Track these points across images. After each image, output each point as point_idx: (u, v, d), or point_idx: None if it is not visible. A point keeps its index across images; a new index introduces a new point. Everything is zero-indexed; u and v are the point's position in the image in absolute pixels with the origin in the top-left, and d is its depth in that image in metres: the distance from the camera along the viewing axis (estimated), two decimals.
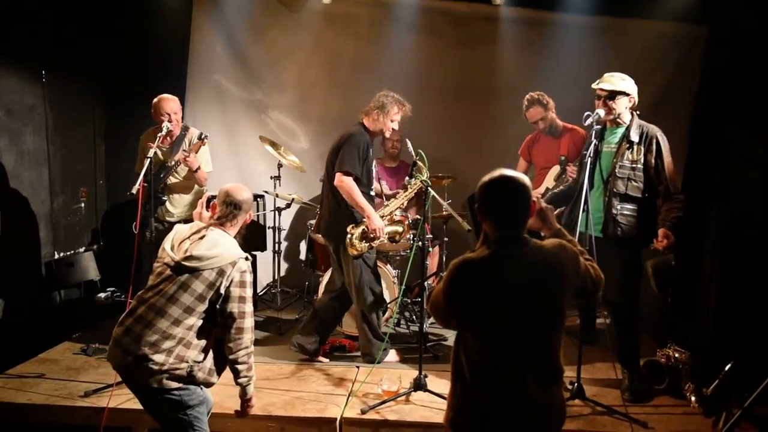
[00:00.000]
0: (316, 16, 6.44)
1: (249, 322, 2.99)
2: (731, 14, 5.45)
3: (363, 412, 3.79)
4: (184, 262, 2.92)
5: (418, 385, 4.00)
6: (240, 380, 3.04)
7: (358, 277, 4.50)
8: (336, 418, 3.75)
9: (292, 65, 6.57)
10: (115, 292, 5.83)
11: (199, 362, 2.94)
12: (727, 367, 3.75)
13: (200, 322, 2.95)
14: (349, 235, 4.42)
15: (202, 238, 3.01)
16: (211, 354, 3.01)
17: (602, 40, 6.07)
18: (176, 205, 4.89)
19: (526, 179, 2.42)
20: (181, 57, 6.49)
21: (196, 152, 4.72)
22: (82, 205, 5.98)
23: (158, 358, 2.84)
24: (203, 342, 2.97)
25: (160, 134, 4.47)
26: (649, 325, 4.91)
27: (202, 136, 4.72)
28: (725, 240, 4.80)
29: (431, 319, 5.35)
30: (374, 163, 6.02)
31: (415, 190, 4.64)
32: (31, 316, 5.12)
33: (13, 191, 5.07)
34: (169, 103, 4.75)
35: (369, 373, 4.26)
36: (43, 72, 5.38)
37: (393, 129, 4.58)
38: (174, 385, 2.88)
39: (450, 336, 5.11)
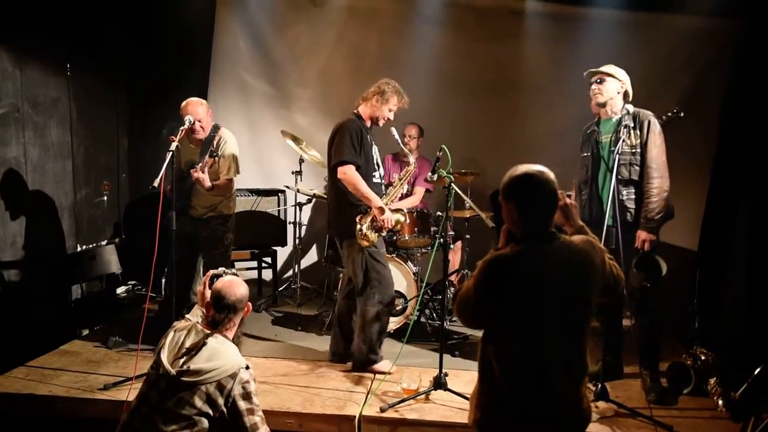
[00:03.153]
0: (340, 10, 6.41)
1: (264, 429, 2.86)
2: (764, 8, 5.32)
3: (382, 410, 3.75)
4: (182, 378, 2.72)
5: (439, 383, 3.94)
6: None
7: (364, 272, 4.32)
8: (355, 416, 3.71)
9: (315, 60, 6.55)
10: (136, 286, 5.86)
11: None
12: (756, 371, 3.67)
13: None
14: (358, 226, 4.24)
15: (201, 347, 2.82)
16: None
17: (631, 35, 5.96)
18: (201, 204, 4.82)
19: (550, 173, 2.38)
20: (205, 51, 6.51)
21: (210, 167, 4.62)
22: (105, 198, 6.01)
23: None
24: None
25: (182, 127, 4.43)
26: (674, 326, 4.81)
27: (214, 155, 4.62)
28: (755, 238, 4.69)
29: (452, 317, 5.30)
30: (389, 157, 6.03)
31: (408, 176, 4.58)
32: (52, 308, 5.15)
33: (37, 183, 5.10)
34: (196, 107, 4.61)
35: (389, 371, 4.22)
36: (68, 65, 5.40)
37: (389, 119, 4.41)
38: None
39: (471, 334, 5.06)
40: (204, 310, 3.04)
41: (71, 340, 4.82)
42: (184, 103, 4.62)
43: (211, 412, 2.74)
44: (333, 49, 6.50)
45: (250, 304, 3.01)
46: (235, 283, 2.95)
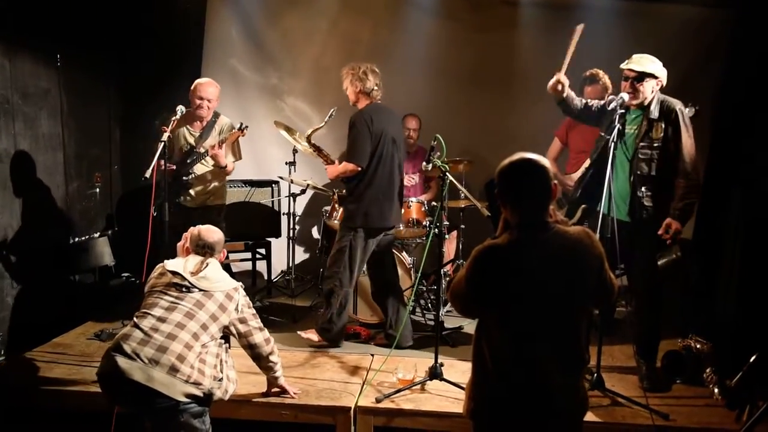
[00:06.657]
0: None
1: (267, 332, 3.40)
2: None
3: (378, 400, 3.74)
4: (197, 283, 3.13)
5: (434, 374, 3.93)
6: (275, 374, 3.54)
7: None
8: (350, 407, 3.70)
9: (308, 50, 6.51)
10: (129, 278, 5.82)
11: (218, 380, 3.06)
12: (751, 359, 3.67)
13: (212, 343, 3.08)
14: None
15: (206, 266, 3.22)
16: (226, 374, 3.14)
17: (625, 24, 5.93)
18: (197, 192, 4.79)
19: (546, 161, 2.36)
20: (197, 41, 6.46)
21: (234, 141, 4.63)
22: (97, 190, 5.96)
23: (185, 369, 2.90)
24: (216, 363, 3.10)
25: (174, 117, 4.41)
26: (669, 315, 4.81)
27: (242, 127, 4.64)
28: (749, 227, 4.69)
29: (447, 307, 5.29)
30: None
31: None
32: (45, 300, 5.12)
33: (28, 175, 5.05)
34: (206, 88, 4.71)
35: (384, 362, 4.21)
36: (58, 56, 5.34)
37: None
38: (193, 407, 2.93)
39: (466, 324, 5.05)
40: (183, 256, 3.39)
41: (64, 333, 4.80)
42: (195, 84, 4.66)
43: (222, 317, 3.14)
44: (326, 38, 6.47)
45: (225, 250, 3.44)
46: (212, 229, 3.36)
